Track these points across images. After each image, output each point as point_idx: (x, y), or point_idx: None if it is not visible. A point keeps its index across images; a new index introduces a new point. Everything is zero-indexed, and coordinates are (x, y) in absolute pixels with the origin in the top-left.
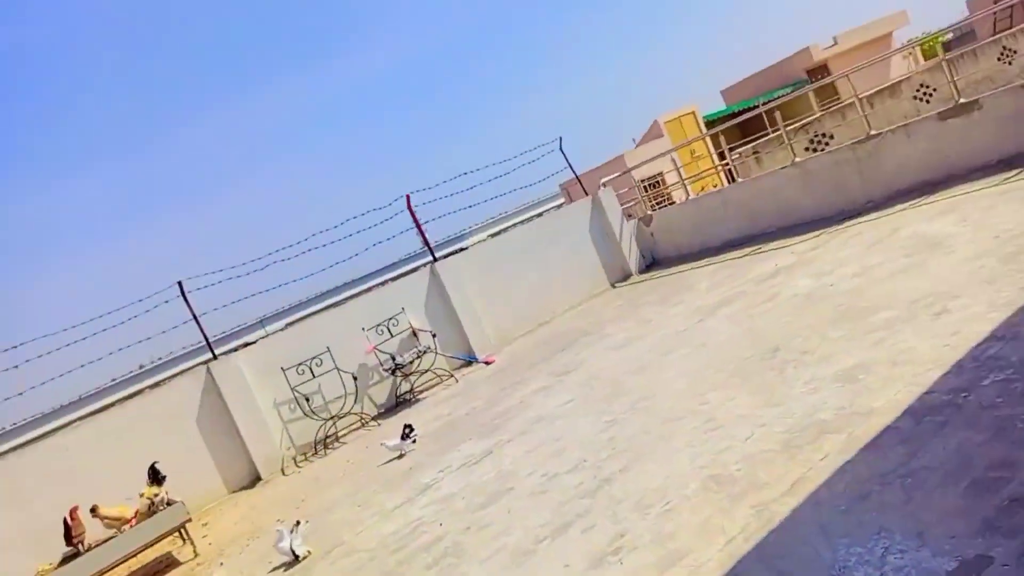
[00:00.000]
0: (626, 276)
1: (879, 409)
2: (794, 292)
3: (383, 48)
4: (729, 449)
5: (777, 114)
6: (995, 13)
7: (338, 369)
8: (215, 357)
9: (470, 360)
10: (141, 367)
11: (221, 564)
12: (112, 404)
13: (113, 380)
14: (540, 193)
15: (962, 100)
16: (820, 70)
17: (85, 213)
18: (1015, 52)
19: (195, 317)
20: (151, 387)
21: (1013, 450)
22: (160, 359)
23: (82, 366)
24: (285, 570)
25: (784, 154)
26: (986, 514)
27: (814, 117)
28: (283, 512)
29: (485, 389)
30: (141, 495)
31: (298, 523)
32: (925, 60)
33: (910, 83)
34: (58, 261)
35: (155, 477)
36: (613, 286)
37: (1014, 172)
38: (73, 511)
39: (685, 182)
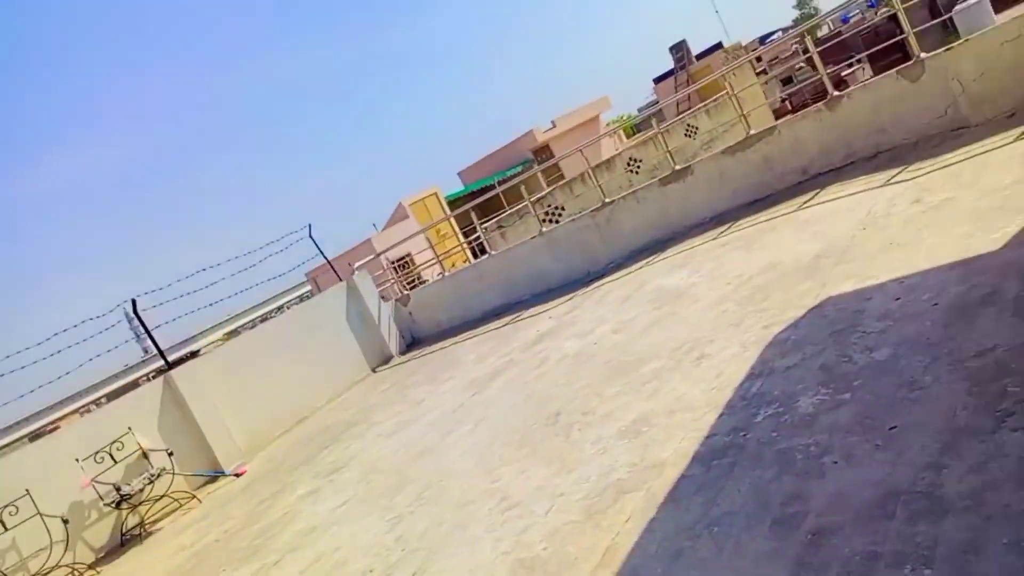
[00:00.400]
0: (387, 359)
1: (669, 460)
2: (562, 354)
3: (93, 148)
4: (531, 527)
5: (522, 187)
6: (677, 101)
7: (41, 515)
8: None
9: (216, 475)
10: None
11: None
12: None
13: None
14: (283, 284)
15: (678, 167)
16: (543, 150)
17: None
18: (696, 128)
19: None
20: None
21: (800, 482)
22: None
23: None
24: None
25: (527, 226)
26: (795, 552)
27: (546, 192)
28: None
29: (239, 506)
30: None
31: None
32: (628, 138)
33: (621, 158)
34: None
35: None
36: (374, 371)
37: (726, 226)
38: None
39: (439, 259)
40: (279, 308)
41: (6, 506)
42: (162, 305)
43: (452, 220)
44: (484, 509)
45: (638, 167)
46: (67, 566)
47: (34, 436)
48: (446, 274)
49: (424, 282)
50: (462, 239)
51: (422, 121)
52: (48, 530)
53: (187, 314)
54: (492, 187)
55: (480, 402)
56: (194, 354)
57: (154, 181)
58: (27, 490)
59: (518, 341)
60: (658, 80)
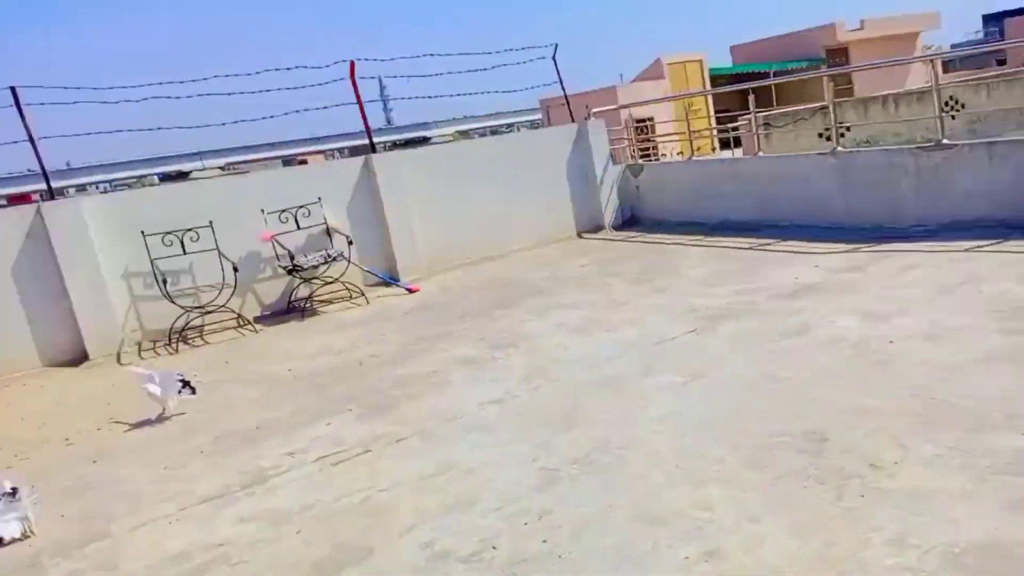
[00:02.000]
0: (597, 228)
1: None
2: (835, 335)
3: None
4: None
5: (827, 84)
6: None
7: (219, 251)
8: (51, 195)
9: (390, 281)
10: None
11: None
12: None
13: None
14: (517, 102)
15: None
16: (839, 52)
17: None
18: None
19: (31, 139)
20: None
21: None
22: None
23: None
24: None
25: (800, 135)
26: None
27: (831, 103)
28: (88, 417)
29: (398, 328)
30: None
31: (14, 490)
32: (944, 72)
33: (938, 93)
34: None
35: None
36: (580, 236)
37: None
38: None
39: (691, 136)
40: (509, 126)
41: (189, 230)
42: (396, 79)
43: (710, 98)
44: (671, 541)
45: (956, 110)
46: (233, 311)
47: (286, 161)
48: (693, 158)
49: (662, 157)
50: (713, 123)
51: None
52: (223, 269)
53: (406, 98)
54: (765, 75)
55: (699, 348)
56: (425, 140)
57: None
58: (211, 221)
59: (765, 281)
60: (1011, 14)
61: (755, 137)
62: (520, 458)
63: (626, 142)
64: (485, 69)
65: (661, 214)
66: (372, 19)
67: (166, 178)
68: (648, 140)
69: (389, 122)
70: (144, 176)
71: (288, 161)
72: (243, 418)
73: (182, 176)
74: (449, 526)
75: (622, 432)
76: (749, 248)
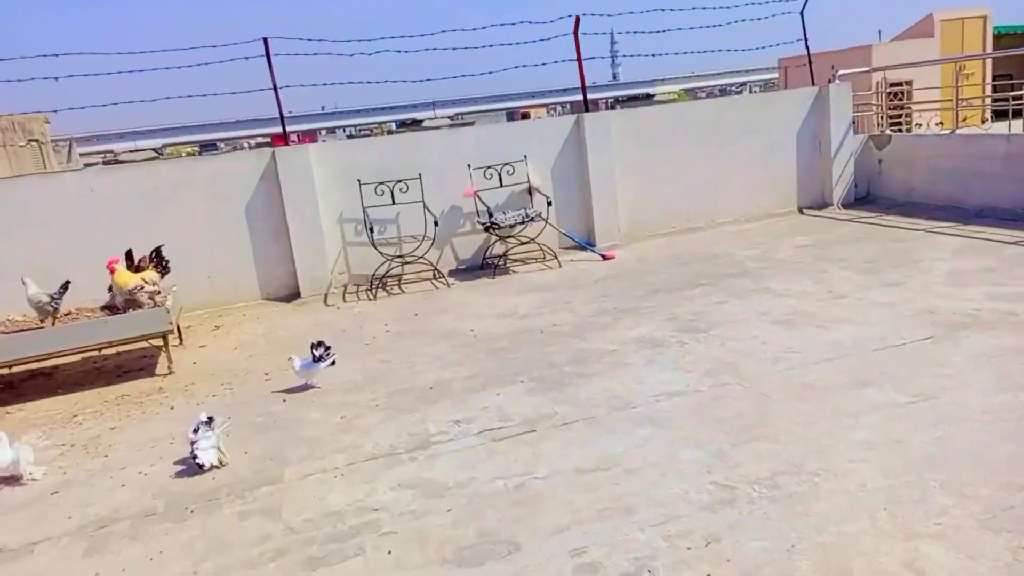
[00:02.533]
0: (823, 205)
1: None
2: None
3: None
4: None
5: None
6: None
7: (424, 204)
8: (285, 140)
9: (586, 246)
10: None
11: (171, 409)
12: (158, 157)
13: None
14: (751, 60)
15: None
16: None
17: None
18: None
19: (275, 86)
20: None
21: None
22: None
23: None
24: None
25: None
26: None
27: None
28: (289, 353)
29: (586, 297)
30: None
31: (210, 420)
32: None
33: None
34: None
35: (160, 263)
36: (801, 211)
37: None
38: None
39: (957, 106)
40: (740, 85)
41: (399, 181)
42: (626, 34)
43: (988, 61)
44: None
45: None
46: (429, 263)
47: (511, 115)
48: (956, 131)
49: (916, 128)
50: (988, 91)
51: None
52: (425, 221)
53: (640, 55)
54: None
55: (934, 361)
56: (648, 97)
57: None
58: (419, 174)
59: None
60: None
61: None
62: (692, 466)
63: (874, 109)
64: (720, 25)
65: (905, 194)
66: None
67: (402, 125)
68: (901, 108)
69: (615, 77)
70: (383, 122)
71: (511, 114)
72: (420, 375)
73: (416, 124)
74: (602, 534)
75: (819, 455)
76: (1016, 242)
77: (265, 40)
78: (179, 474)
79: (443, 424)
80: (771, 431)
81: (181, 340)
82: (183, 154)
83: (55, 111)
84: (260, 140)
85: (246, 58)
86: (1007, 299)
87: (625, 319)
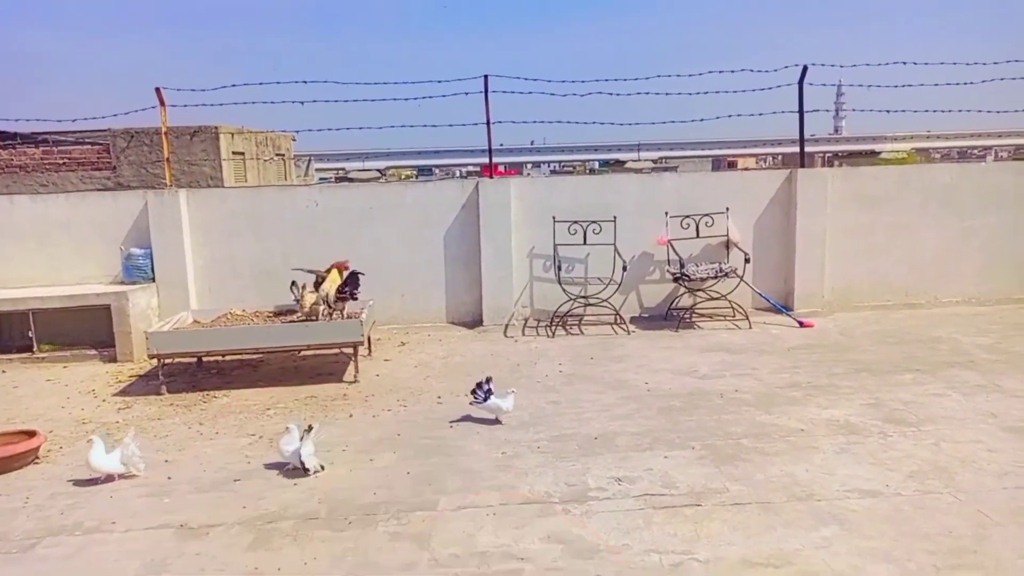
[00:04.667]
0: None
1: None
2: None
3: None
4: None
5: None
6: None
7: (615, 247)
8: (491, 172)
9: (781, 309)
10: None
11: (349, 417)
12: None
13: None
14: (1001, 123)
15: None
16: None
17: None
18: None
19: (488, 120)
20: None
21: None
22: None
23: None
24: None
25: None
26: None
27: None
28: (463, 379)
29: (775, 365)
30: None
31: (310, 428)
32: None
33: None
34: None
35: (353, 282)
36: None
37: None
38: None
39: None
40: (985, 149)
41: (593, 222)
42: (860, 88)
43: None
44: None
45: None
46: (613, 307)
47: (717, 163)
48: None
49: None
50: None
51: None
52: (614, 264)
53: (869, 110)
54: None
55: None
56: (873, 154)
57: None
58: (614, 217)
59: None
60: None
61: None
62: None
63: None
64: (970, 83)
65: None
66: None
67: (604, 164)
68: None
69: (836, 131)
70: (586, 160)
71: (717, 162)
72: (587, 423)
73: (619, 164)
74: None
75: None
76: None
77: (485, 77)
78: (342, 481)
79: (603, 479)
80: (987, 560)
81: (370, 351)
82: (402, 176)
83: (297, 131)
84: (470, 169)
85: (466, 93)
86: None
87: (818, 396)
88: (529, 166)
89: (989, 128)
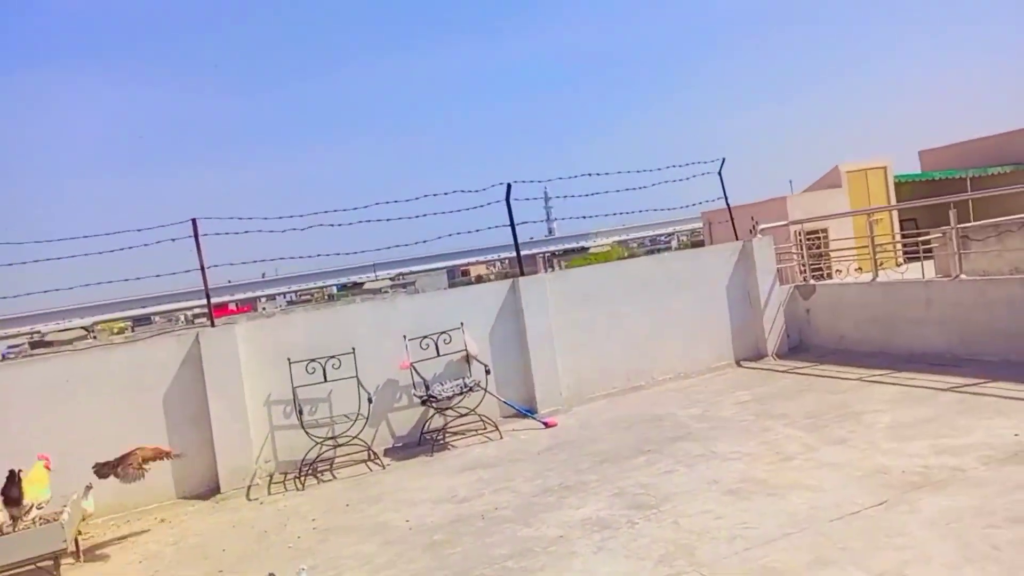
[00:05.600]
0: (759, 356)
1: None
2: None
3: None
4: None
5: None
6: None
7: (358, 380)
8: (211, 319)
9: (526, 414)
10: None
11: None
12: (68, 349)
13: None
14: (677, 213)
15: None
16: None
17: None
18: None
19: (202, 266)
20: (131, 340)
21: None
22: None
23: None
24: None
25: (1005, 249)
26: None
27: None
28: (199, 567)
29: (528, 473)
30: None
31: None
32: None
33: None
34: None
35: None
36: (739, 364)
37: None
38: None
39: (874, 255)
40: (669, 235)
41: (332, 357)
42: (561, 199)
43: (894, 212)
44: None
45: None
46: (363, 443)
47: (452, 273)
48: (876, 278)
49: (836, 274)
50: (897, 235)
51: (890, 75)
52: (359, 398)
53: (561, 219)
54: (960, 183)
55: (892, 529)
56: (583, 249)
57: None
58: (353, 348)
59: (972, 435)
60: None
61: (956, 257)
62: None
63: (795, 259)
64: (645, 187)
65: (835, 342)
66: (542, 136)
67: (342, 288)
68: (820, 255)
69: (551, 232)
70: (323, 287)
71: (452, 272)
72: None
73: (357, 286)
74: None
75: None
76: (949, 388)
77: (194, 221)
78: None
79: None
80: None
81: (80, 556)
82: (115, 330)
83: None
84: (196, 311)
85: (172, 240)
86: (952, 452)
87: (570, 497)
88: (264, 299)
89: (668, 219)
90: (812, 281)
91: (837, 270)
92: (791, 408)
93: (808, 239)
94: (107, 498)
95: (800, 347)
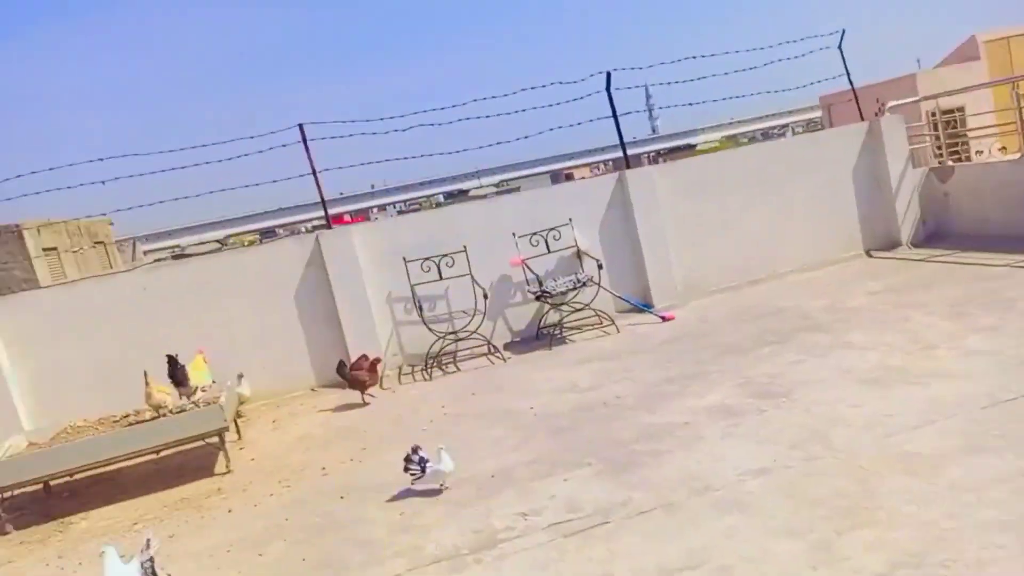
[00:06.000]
0: (892, 245)
1: None
2: None
3: None
4: None
5: None
6: None
7: (472, 277)
8: (328, 224)
9: (643, 308)
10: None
11: (229, 512)
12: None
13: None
14: (792, 101)
15: None
16: None
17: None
18: None
19: (313, 170)
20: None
21: None
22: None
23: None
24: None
25: None
26: None
27: None
28: (345, 445)
29: (648, 363)
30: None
31: (148, 543)
32: None
33: None
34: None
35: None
36: (869, 254)
37: None
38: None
39: (1021, 130)
40: (783, 127)
41: (445, 255)
42: (662, 86)
43: None
44: None
45: None
46: (482, 338)
47: (555, 177)
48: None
49: (976, 155)
50: None
51: None
52: (475, 295)
53: (670, 107)
54: None
55: None
56: (690, 147)
57: None
58: (464, 247)
59: None
60: None
61: None
62: (792, 561)
63: (929, 140)
64: (756, 67)
65: (978, 227)
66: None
67: (449, 196)
68: (957, 136)
69: (654, 131)
70: (431, 195)
71: (556, 176)
72: (481, 461)
73: (462, 194)
74: None
75: (942, 541)
76: None
77: (300, 127)
78: None
79: (509, 518)
80: (880, 514)
81: (239, 435)
82: (245, 242)
83: (116, 211)
84: (315, 223)
85: (283, 145)
86: None
87: (693, 386)
88: (375, 210)
89: (782, 108)
90: (950, 163)
91: (977, 151)
92: (931, 297)
93: (947, 118)
94: (256, 386)
95: (937, 234)
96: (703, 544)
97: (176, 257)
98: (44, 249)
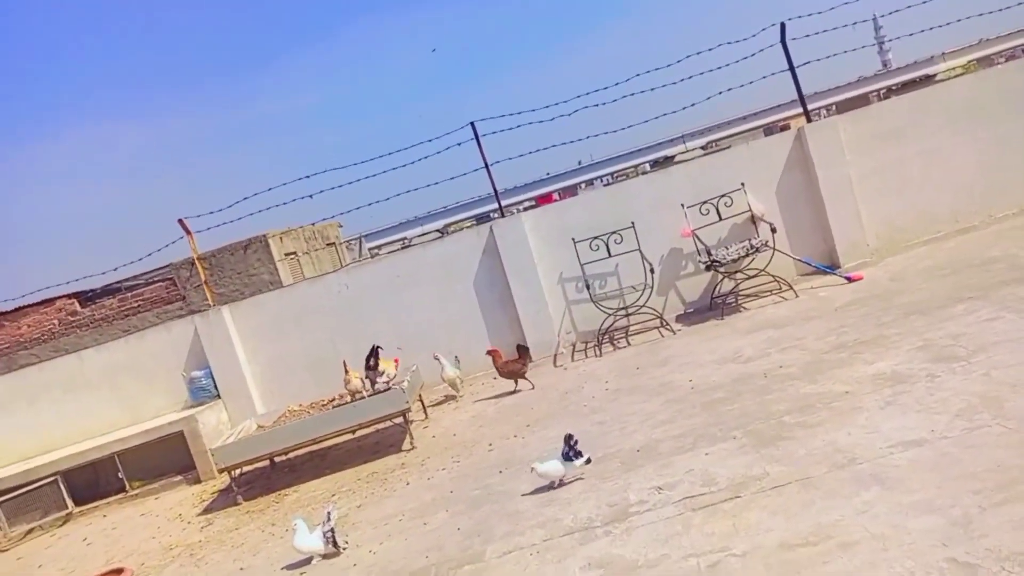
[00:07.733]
0: None
1: None
2: None
3: None
4: None
5: None
6: None
7: (641, 252)
8: (502, 213)
9: (826, 270)
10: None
11: (407, 485)
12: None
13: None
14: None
15: None
16: None
17: None
18: None
19: (486, 164)
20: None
21: None
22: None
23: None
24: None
25: None
26: None
27: None
28: (510, 422)
29: (822, 330)
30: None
31: (329, 515)
32: None
33: None
34: None
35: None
36: None
37: None
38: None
39: None
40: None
41: (613, 232)
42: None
43: None
44: None
45: None
46: (653, 311)
47: (769, 130)
48: None
49: None
50: None
51: None
52: (644, 269)
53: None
54: None
55: None
56: (928, 78)
57: None
58: (632, 222)
59: None
60: None
61: None
62: (923, 538)
63: None
64: None
65: None
66: None
67: (655, 164)
68: None
69: (885, 65)
70: (636, 165)
71: (769, 128)
72: (630, 436)
73: (669, 160)
74: None
75: None
76: None
77: (472, 124)
78: (397, 551)
79: (644, 491)
80: None
81: (426, 415)
82: (463, 229)
83: (341, 213)
84: (527, 205)
85: (459, 144)
86: None
87: (865, 352)
88: (583, 185)
89: None
90: None
91: None
92: None
93: None
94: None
95: None
96: (832, 520)
97: (404, 248)
98: (285, 254)
